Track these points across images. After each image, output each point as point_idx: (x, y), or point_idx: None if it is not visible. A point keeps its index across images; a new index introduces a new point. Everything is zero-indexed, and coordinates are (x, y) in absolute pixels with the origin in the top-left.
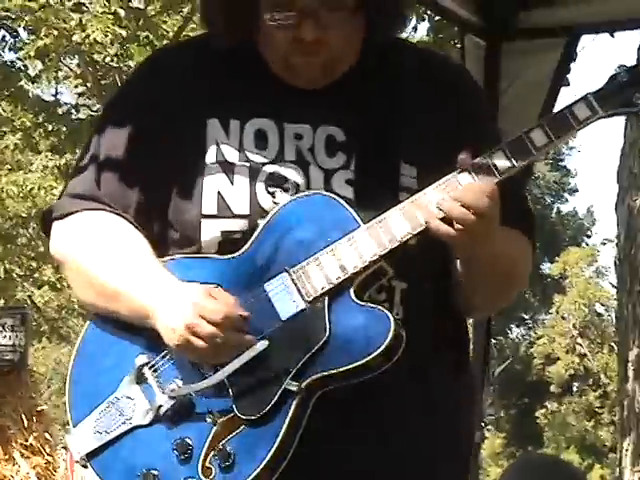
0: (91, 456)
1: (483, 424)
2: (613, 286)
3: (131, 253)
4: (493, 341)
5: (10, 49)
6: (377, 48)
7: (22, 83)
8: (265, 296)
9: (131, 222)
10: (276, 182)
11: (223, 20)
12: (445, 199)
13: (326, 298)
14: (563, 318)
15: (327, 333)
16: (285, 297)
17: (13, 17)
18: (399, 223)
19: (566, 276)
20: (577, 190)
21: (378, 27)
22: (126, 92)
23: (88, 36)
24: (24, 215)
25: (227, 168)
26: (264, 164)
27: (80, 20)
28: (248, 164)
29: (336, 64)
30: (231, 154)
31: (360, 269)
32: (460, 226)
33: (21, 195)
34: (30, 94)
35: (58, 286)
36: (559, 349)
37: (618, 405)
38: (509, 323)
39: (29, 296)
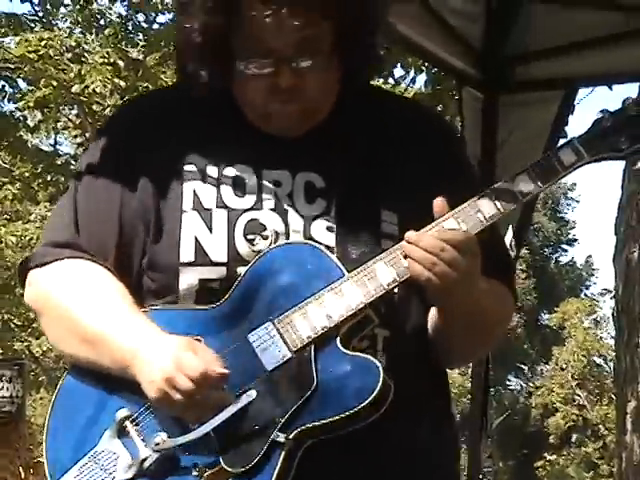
0: None
1: (481, 476)
2: (612, 337)
3: (111, 301)
4: (492, 392)
5: (9, 100)
6: (355, 93)
7: (21, 133)
8: (249, 347)
9: (110, 270)
10: (255, 229)
11: (198, 70)
12: (427, 250)
13: (312, 347)
14: (562, 369)
15: (314, 383)
16: (270, 347)
17: (12, 67)
18: (384, 271)
19: (565, 327)
20: (576, 241)
21: (354, 70)
22: (104, 138)
23: (87, 87)
24: None
25: (205, 214)
26: (243, 211)
27: (79, 71)
28: (226, 210)
29: (314, 111)
30: (209, 200)
31: (346, 317)
32: (430, 274)
33: (19, 245)
34: (29, 144)
35: None
36: (558, 400)
37: (616, 457)
38: (507, 374)
39: (27, 346)
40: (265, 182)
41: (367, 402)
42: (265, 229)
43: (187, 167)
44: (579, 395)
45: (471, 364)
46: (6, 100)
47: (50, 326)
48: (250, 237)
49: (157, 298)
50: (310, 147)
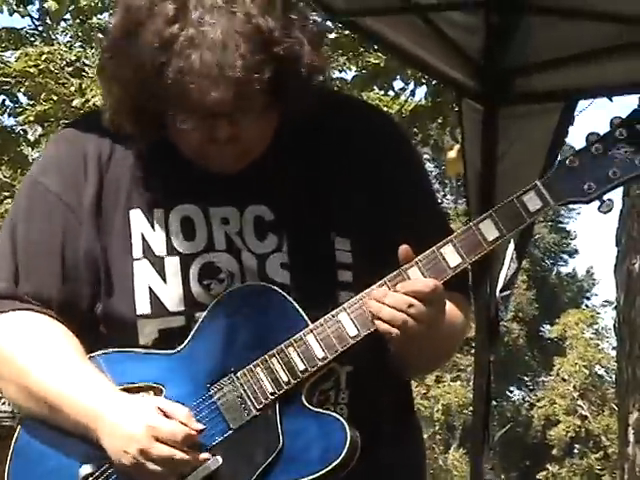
0: None
1: None
2: (613, 348)
3: (65, 358)
4: (493, 404)
5: (10, 114)
6: (294, 124)
7: (21, 148)
8: (213, 403)
9: (56, 318)
10: (210, 273)
11: (132, 126)
12: (395, 308)
13: (277, 404)
14: (563, 380)
15: (280, 443)
16: (234, 404)
17: (13, 82)
18: (349, 324)
19: (566, 338)
20: (577, 252)
21: (290, 111)
22: (42, 181)
23: (87, 101)
24: None
25: (156, 262)
26: (195, 255)
27: (80, 85)
28: (178, 257)
29: (254, 150)
30: (158, 246)
31: (311, 373)
32: (398, 331)
33: None
34: (30, 159)
35: None
36: (560, 411)
37: (619, 468)
38: (509, 385)
39: None
40: (214, 221)
41: (336, 463)
42: (220, 272)
43: (132, 211)
44: (581, 406)
45: (473, 376)
46: (6, 114)
47: (2, 383)
48: (206, 282)
49: (114, 347)
50: (253, 180)
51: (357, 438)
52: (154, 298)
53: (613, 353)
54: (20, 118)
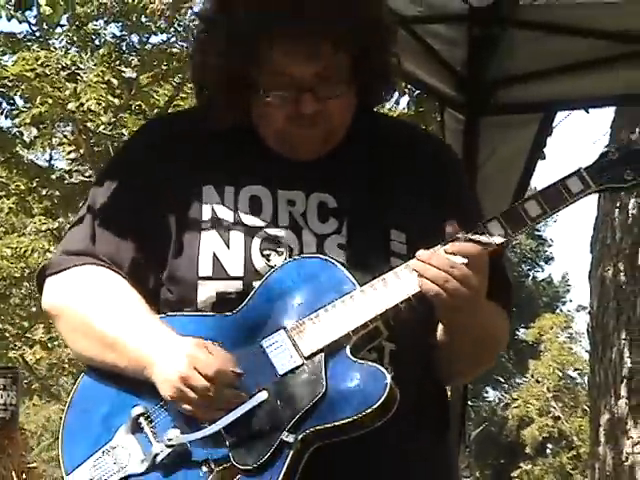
0: None
1: None
2: (586, 351)
3: (127, 306)
4: (470, 404)
5: (6, 116)
6: (368, 118)
7: (17, 149)
8: (262, 352)
9: (124, 277)
10: (270, 245)
11: (223, 102)
12: (438, 267)
13: (323, 355)
14: (538, 382)
15: (324, 388)
16: (282, 353)
17: (10, 85)
18: (396, 286)
19: (541, 341)
20: (553, 259)
21: (370, 94)
22: (125, 155)
23: (82, 104)
24: (17, 276)
25: (222, 230)
26: (259, 228)
27: (75, 89)
28: (243, 227)
29: (334, 135)
30: (226, 219)
31: (356, 328)
32: (448, 296)
33: (15, 257)
34: (25, 159)
35: (49, 345)
36: (533, 412)
37: (589, 468)
38: (485, 386)
39: (21, 355)
40: (280, 202)
41: (374, 407)
42: (280, 245)
43: (206, 187)
44: (554, 407)
45: None
46: (3, 117)
47: (67, 331)
48: (266, 253)
49: (175, 310)
50: (323, 170)
51: (396, 389)
52: (216, 262)
53: (586, 356)
54: (16, 120)
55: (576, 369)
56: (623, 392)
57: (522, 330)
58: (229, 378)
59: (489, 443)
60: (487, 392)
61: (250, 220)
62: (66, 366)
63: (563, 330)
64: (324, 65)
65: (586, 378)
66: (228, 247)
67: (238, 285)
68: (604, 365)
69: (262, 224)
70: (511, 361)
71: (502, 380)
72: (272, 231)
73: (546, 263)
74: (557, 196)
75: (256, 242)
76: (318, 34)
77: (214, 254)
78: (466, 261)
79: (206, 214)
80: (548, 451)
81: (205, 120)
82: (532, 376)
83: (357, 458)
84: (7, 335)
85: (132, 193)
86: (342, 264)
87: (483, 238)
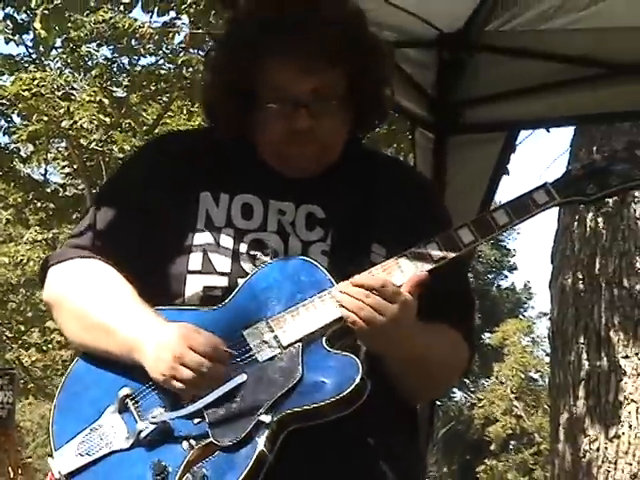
0: (71, 476)
1: None
2: (547, 354)
3: (119, 295)
4: (438, 404)
5: (4, 133)
6: (355, 150)
7: (14, 164)
8: (244, 340)
9: (118, 269)
10: (258, 247)
11: (224, 117)
12: (352, 296)
13: (300, 345)
14: (501, 383)
15: (300, 374)
16: (263, 342)
17: (8, 104)
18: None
19: (505, 345)
20: (516, 268)
21: (363, 115)
22: (131, 165)
23: (75, 122)
24: (14, 283)
25: (214, 231)
26: (248, 231)
27: (68, 108)
28: (233, 230)
29: (326, 154)
30: (219, 220)
31: (332, 322)
32: (363, 323)
33: (12, 265)
34: (22, 174)
35: (44, 348)
36: (498, 411)
37: (550, 463)
38: (452, 387)
39: (17, 357)
40: (271, 210)
41: (347, 392)
42: (267, 248)
43: (203, 194)
44: (517, 407)
45: None
46: (1, 133)
47: (63, 318)
48: (253, 253)
49: (164, 302)
50: (315, 185)
51: (367, 381)
52: (206, 258)
53: (547, 359)
54: (14, 137)
55: (537, 371)
56: (581, 393)
57: (487, 334)
58: (222, 354)
59: (456, 440)
60: (454, 393)
61: (241, 224)
62: (60, 367)
63: (525, 335)
64: (321, 82)
65: (547, 380)
66: (218, 246)
67: (224, 281)
68: (563, 368)
69: (252, 228)
70: (476, 363)
71: (468, 382)
72: (260, 235)
73: (510, 272)
74: (524, 207)
75: (245, 243)
76: (315, 50)
77: (204, 251)
78: (388, 289)
79: (201, 217)
80: (511, 448)
81: (208, 137)
82: (496, 378)
83: (335, 445)
84: (4, 338)
85: (133, 193)
86: (322, 265)
87: (435, 253)
